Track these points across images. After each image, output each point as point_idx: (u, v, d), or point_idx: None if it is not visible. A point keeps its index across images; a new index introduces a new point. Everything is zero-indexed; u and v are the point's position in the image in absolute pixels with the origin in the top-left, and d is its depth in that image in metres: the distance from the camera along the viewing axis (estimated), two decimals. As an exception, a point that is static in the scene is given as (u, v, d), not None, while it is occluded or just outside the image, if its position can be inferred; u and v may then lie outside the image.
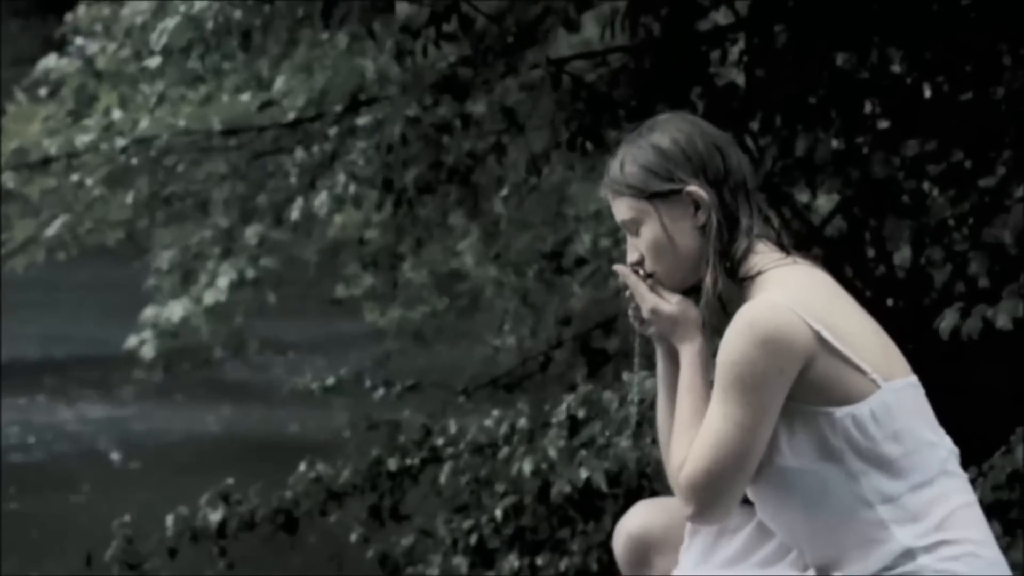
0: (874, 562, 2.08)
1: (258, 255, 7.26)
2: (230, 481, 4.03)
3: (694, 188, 2.12)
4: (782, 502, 2.12)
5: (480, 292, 6.03)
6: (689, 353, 2.14)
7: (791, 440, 2.07)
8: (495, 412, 3.92)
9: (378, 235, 5.71)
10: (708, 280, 2.11)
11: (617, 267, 2.21)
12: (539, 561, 3.58)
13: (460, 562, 3.68)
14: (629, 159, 2.16)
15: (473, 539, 3.68)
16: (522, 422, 3.74)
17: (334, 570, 4.33)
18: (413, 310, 5.83)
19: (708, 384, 2.12)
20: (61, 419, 7.65)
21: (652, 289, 2.18)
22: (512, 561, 3.57)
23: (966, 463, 2.77)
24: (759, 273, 2.10)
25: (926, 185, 3.42)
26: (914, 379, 2.13)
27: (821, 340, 2.04)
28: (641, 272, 2.18)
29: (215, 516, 3.94)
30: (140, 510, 4.24)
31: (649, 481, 3.55)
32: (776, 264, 2.11)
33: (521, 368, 4.80)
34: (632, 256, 2.18)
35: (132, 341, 8.09)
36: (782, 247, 2.15)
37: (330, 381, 4.29)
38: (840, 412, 2.04)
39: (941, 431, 2.14)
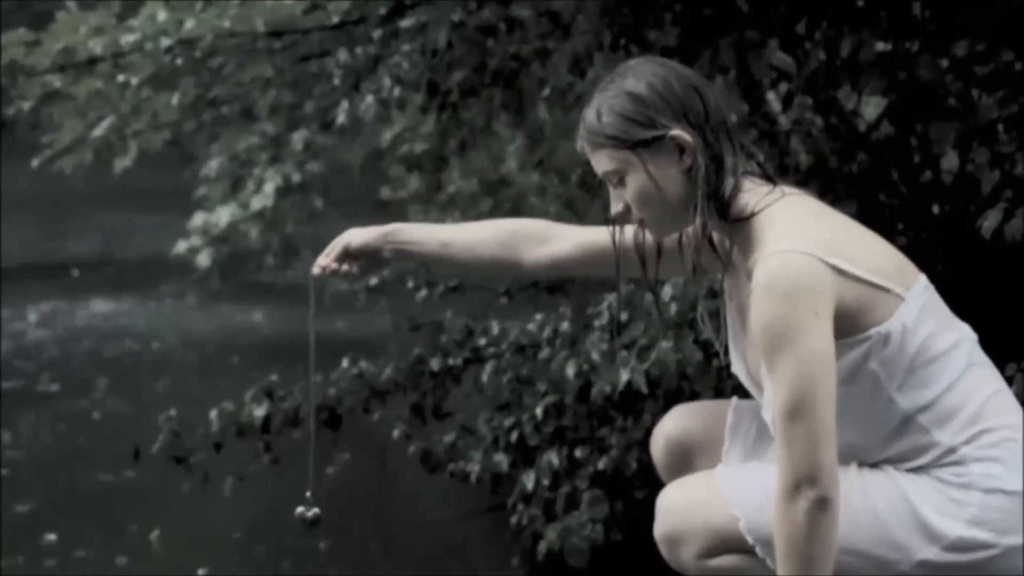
0: (919, 460, 2.10)
1: (304, 160, 7.29)
2: (274, 378, 4.08)
3: (677, 132, 2.09)
4: None
5: (523, 198, 6.02)
6: None
7: None
8: (537, 315, 3.94)
9: (423, 140, 5.70)
10: (697, 223, 2.09)
11: None
12: (578, 457, 3.62)
13: (501, 459, 3.72)
14: (606, 109, 2.11)
15: (514, 436, 3.72)
16: (564, 325, 3.76)
17: (377, 466, 4.39)
18: (458, 213, 5.84)
19: None
20: (110, 317, 7.75)
21: None
22: (552, 458, 3.61)
23: (1007, 359, 2.79)
24: (753, 214, 2.09)
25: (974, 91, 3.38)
26: (924, 279, 2.14)
27: (840, 272, 2.03)
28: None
29: (259, 412, 4.00)
30: (186, 406, 4.30)
31: (690, 382, 3.57)
32: (767, 202, 2.09)
33: (564, 271, 4.79)
34: (617, 207, 2.15)
35: (181, 246, 8.18)
36: (768, 179, 2.14)
37: (373, 282, 4.31)
38: (873, 332, 2.05)
39: (958, 321, 2.15)
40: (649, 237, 2.21)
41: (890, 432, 2.10)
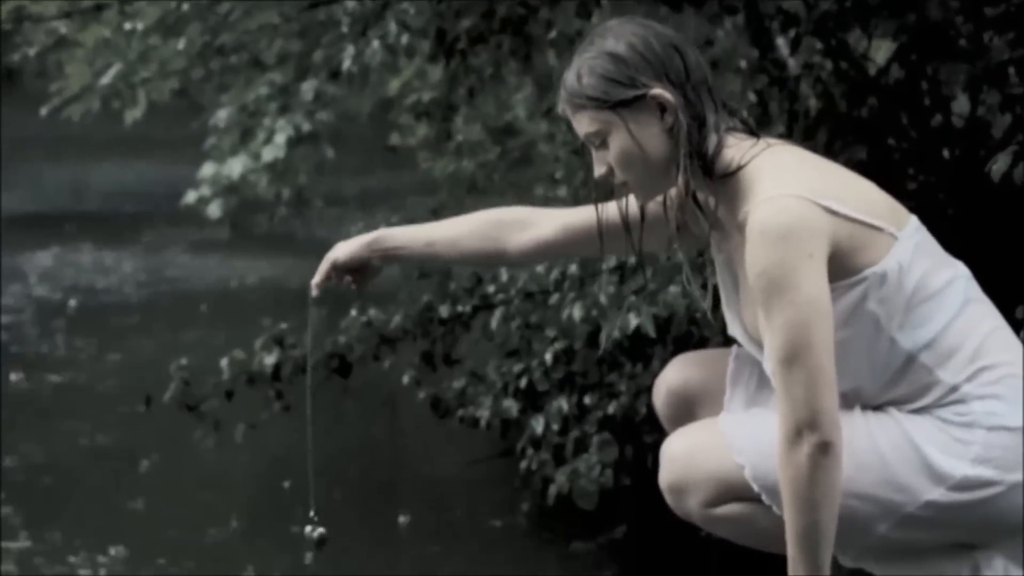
0: (923, 401, 2.10)
1: (314, 110, 7.28)
2: (284, 326, 4.09)
3: (659, 91, 2.08)
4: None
5: (532, 146, 6.01)
6: None
7: None
8: (545, 259, 3.92)
9: (431, 88, 5.67)
10: (680, 182, 2.08)
11: None
12: (587, 402, 3.63)
13: (510, 405, 3.73)
14: (586, 70, 2.10)
15: (523, 382, 3.72)
16: (572, 269, 3.76)
17: (387, 412, 4.41)
18: (466, 160, 5.83)
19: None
20: (120, 268, 7.76)
21: None
22: (561, 403, 3.62)
23: (1017, 301, 2.78)
24: (739, 167, 2.08)
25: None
26: (915, 219, 2.14)
27: (833, 213, 2.03)
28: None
29: (269, 360, 4.01)
30: (197, 354, 4.32)
31: (699, 327, 3.57)
32: (752, 154, 2.09)
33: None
34: (600, 169, 2.13)
35: (190, 196, 8.19)
36: (752, 133, 2.13)
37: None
38: (869, 273, 2.05)
39: (952, 259, 2.16)
40: (633, 208, 2.21)
41: (893, 373, 2.10)
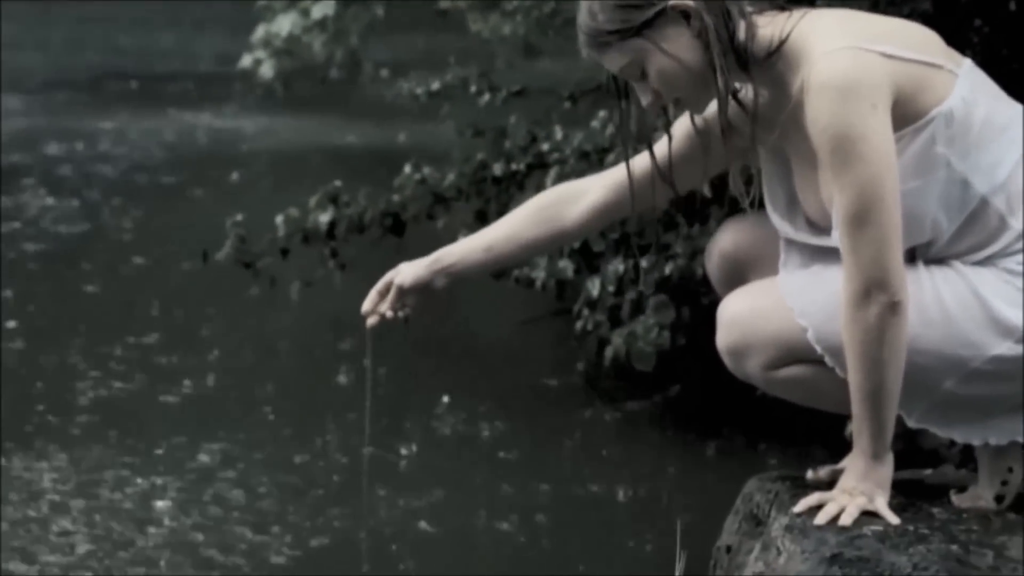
0: (991, 249, 2.07)
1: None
2: (338, 183, 4.08)
3: (676, 0, 2.03)
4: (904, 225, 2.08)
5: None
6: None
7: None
8: (601, 112, 3.88)
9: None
10: (720, 84, 2.03)
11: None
12: (644, 264, 3.61)
13: (566, 265, 3.72)
14: (598, 6, 2.04)
15: (577, 243, 3.70)
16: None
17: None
18: (519, 17, 5.74)
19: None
20: (176, 130, 7.78)
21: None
22: (617, 265, 3.60)
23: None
24: (782, 42, 2.03)
25: None
26: (969, 60, 2.09)
27: (889, 56, 1.98)
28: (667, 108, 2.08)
29: (324, 217, 4.01)
30: (253, 212, 4.33)
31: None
32: (791, 24, 2.03)
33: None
34: (646, 99, 2.08)
35: (246, 60, 8.16)
36: (781, 8, 2.07)
37: (435, 86, 4.26)
38: (935, 113, 2.01)
39: (1009, 98, 2.11)
40: (669, 147, 2.15)
41: (965, 220, 2.06)
